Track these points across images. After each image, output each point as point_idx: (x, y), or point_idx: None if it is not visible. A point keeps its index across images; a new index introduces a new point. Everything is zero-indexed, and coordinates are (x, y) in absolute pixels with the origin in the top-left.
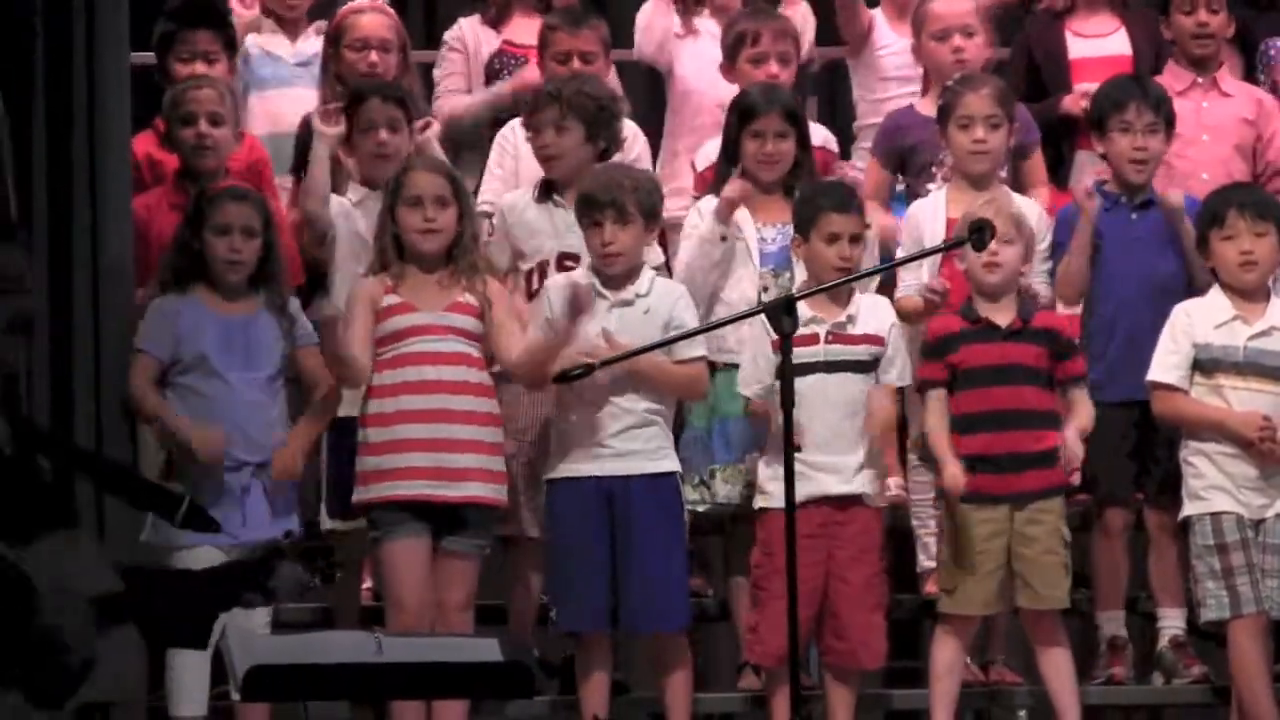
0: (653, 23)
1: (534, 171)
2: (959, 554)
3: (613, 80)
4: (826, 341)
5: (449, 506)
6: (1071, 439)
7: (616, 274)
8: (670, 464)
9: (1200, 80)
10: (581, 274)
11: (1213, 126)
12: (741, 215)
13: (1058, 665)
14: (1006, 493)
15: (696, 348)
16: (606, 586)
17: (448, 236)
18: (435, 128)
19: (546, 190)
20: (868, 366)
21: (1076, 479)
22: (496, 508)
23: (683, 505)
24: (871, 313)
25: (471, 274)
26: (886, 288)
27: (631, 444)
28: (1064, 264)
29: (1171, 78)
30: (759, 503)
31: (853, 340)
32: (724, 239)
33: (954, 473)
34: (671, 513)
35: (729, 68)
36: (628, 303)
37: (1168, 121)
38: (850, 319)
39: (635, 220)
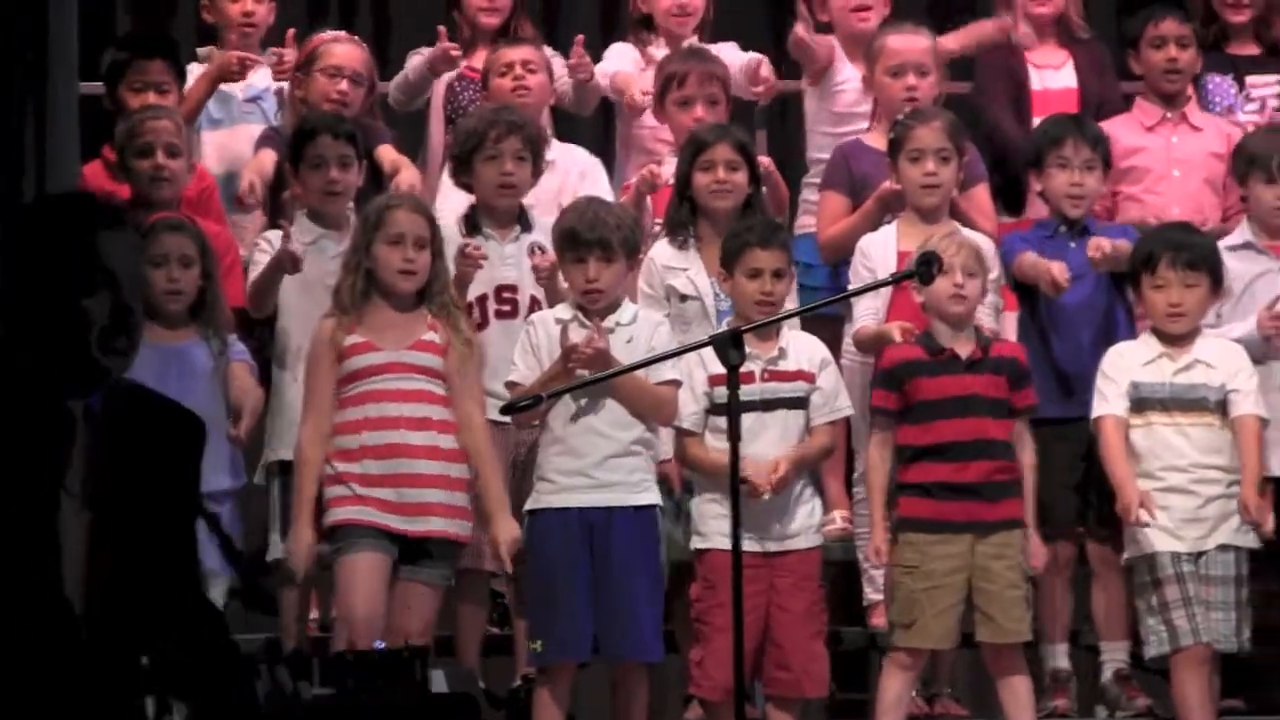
0: (618, 63)
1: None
2: (917, 587)
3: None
4: (763, 379)
5: (413, 539)
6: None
7: (598, 309)
8: (651, 496)
9: (1169, 115)
10: (564, 308)
11: (1183, 161)
12: (696, 271)
13: (1017, 693)
14: (969, 521)
15: (669, 371)
16: (590, 617)
17: (423, 278)
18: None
19: (473, 223)
20: (801, 403)
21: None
22: (460, 543)
23: (659, 537)
24: (801, 349)
25: (444, 314)
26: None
27: (613, 474)
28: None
29: (1141, 113)
30: (696, 544)
31: (787, 377)
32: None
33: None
34: (650, 545)
35: (659, 109)
36: (609, 332)
37: (1105, 160)
38: (782, 353)
39: (618, 257)
